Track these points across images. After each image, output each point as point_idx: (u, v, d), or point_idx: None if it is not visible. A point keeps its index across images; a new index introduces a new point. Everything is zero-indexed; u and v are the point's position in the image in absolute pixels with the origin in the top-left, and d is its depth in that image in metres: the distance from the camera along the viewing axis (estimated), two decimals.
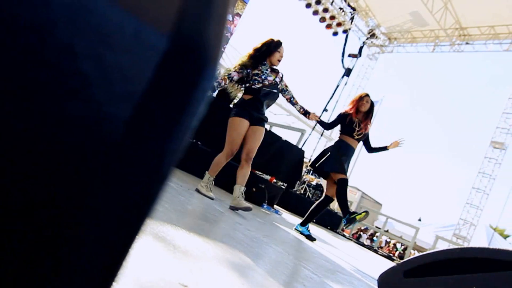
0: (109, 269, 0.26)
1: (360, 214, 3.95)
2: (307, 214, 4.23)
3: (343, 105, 18.76)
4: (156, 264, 0.99)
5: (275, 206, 6.86)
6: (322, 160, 4.14)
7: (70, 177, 0.21)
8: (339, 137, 4.26)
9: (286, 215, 7.32)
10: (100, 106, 0.20)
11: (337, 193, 4.09)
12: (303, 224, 4.16)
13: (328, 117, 13.00)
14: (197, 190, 3.56)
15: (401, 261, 1.42)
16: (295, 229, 4.16)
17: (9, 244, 0.22)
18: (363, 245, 12.25)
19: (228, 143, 3.66)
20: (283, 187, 7.55)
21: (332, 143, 4.51)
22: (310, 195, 11.36)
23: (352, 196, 23.96)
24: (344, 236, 11.73)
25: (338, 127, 4.29)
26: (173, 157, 0.23)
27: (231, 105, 5.94)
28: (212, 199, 3.47)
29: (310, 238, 4.05)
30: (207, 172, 3.70)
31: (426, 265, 1.35)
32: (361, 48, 15.58)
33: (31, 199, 0.21)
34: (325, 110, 12.94)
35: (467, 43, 14.85)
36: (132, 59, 0.21)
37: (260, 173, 7.25)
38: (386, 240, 18.09)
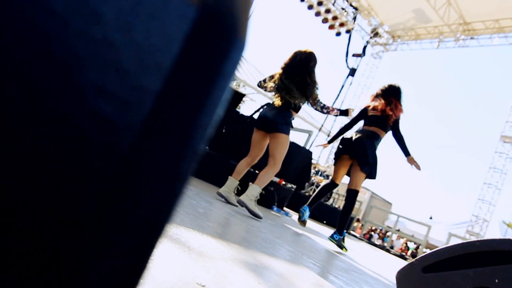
0: (133, 272, 0.25)
1: (346, 249, 3.73)
2: (311, 197, 4.04)
3: (349, 105, 18.69)
4: (173, 265, 0.98)
5: (284, 208, 6.83)
6: (370, 160, 3.71)
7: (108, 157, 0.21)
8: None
9: (296, 217, 7.29)
10: (131, 77, 0.20)
11: (347, 204, 3.82)
12: (340, 233, 3.94)
13: (333, 117, 12.94)
14: (243, 204, 3.31)
15: (419, 256, 1.40)
16: (300, 214, 3.97)
17: (34, 249, 0.21)
18: (374, 244, 12.15)
19: (281, 161, 3.58)
20: (293, 189, 7.52)
21: None
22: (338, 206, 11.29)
23: (362, 196, 23.80)
24: (355, 236, 11.64)
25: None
26: (205, 131, 0.22)
27: (238, 109, 5.94)
28: (260, 217, 3.30)
29: (303, 222, 3.95)
30: (253, 184, 3.48)
31: (445, 259, 1.32)
32: (365, 47, 15.55)
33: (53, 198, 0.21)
34: None
35: (472, 38, 14.73)
36: (161, 28, 0.20)
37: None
38: (400, 240, 17.90)
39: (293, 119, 3.71)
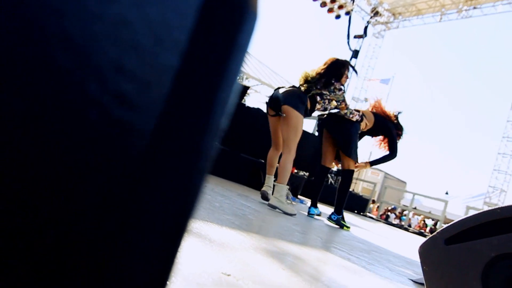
0: (164, 268, 0.25)
1: (348, 227, 3.76)
2: (313, 196, 4.07)
3: (355, 87, 18.51)
4: (196, 258, 0.99)
5: (299, 196, 6.84)
6: (351, 144, 3.80)
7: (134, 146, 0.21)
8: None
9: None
10: (149, 55, 0.20)
11: (342, 185, 3.86)
12: (314, 206, 4.03)
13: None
14: (274, 207, 3.25)
15: (440, 229, 1.39)
16: (311, 214, 3.99)
17: (68, 248, 0.21)
18: (392, 224, 12.12)
19: (295, 145, 3.48)
20: (305, 176, 7.52)
21: None
22: (333, 182, 11.28)
23: (375, 177, 23.69)
24: (372, 218, 11.62)
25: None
26: (225, 106, 0.22)
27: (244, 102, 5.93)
28: (294, 215, 3.24)
29: (319, 214, 4.00)
30: (278, 183, 3.40)
31: (467, 230, 1.31)
32: (365, 27, 15.35)
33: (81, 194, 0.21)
34: None
35: (474, 8, 14.42)
36: (174, 3, 0.20)
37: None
38: (416, 217, 17.81)
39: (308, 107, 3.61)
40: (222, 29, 0.22)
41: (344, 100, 3.64)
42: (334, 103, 3.60)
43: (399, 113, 4.11)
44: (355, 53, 14.11)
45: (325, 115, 3.98)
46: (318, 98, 3.54)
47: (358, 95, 18.52)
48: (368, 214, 11.65)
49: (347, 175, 3.85)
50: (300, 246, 1.82)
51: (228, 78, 0.22)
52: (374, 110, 4.07)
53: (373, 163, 3.99)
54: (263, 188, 3.71)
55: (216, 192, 3.10)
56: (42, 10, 0.17)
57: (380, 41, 18.49)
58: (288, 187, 3.51)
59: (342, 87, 3.58)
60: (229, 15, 0.22)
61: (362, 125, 3.84)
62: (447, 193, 24.85)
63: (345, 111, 3.68)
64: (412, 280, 1.85)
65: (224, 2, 0.21)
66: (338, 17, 13.93)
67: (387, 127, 3.98)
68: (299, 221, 3.10)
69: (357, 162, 3.89)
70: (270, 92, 17.22)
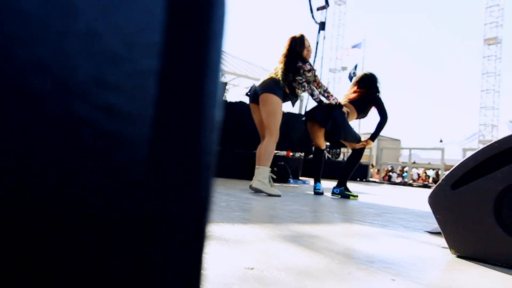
0: (195, 275, 0.25)
1: (355, 196, 3.81)
2: (316, 173, 4.11)
3: (329, 59, 18.55)
4: (217, 259, 0.99)
5: (300, 177, 6.87)
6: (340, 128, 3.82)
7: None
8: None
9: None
10: (127, 62, 0.19)
11: (351, 160, 3.94)
12: (319, 181, 4.07)
13: (319, 76, 12.84)
14: (258, 190, 3.27)
15: (444, 176, 1.41)
16: (316, 190, 4.01)
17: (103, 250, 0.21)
18: (396, 183, 12.26)
19: (276, 128, 3.46)
20: (302, 157, 7.54)
21: None
22: (330, 156, 11.34)
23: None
24: (375, 182, 11.74)
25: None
26: (215, 96, 0.21)
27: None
28: (279, 195, 3.23)
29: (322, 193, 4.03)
30: (259, 166, 3.37)
31: (469, 170, 1.33)
32: None
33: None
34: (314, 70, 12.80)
35: None
36: (139, 5, 0.19)
37: (275, 151, 7.27)
38: (417, 173, 18.03)
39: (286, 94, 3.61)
40: (193, 20, 0.21)
41: (315, 80, 3.62)
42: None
43: (353, 73, 4.16)
44: (322, 25, 14.08)
45: (310, 109, 3.98)
46: (294, 84, 3.55)
47: (334, 66, 18.55)
48: (370, 179, 11.77)
49: (357, 152, 3.93)
50: (314, 225, 1.83)
51: (211, 68, 0.22)
52: (348, 100, 4.04)
53: (373, 137, 4.01)
54: (258, 186, 3.49)
55: (219, 192, 3.10)
56: (8, 39, 0.16)
57: (344, 8, 18.49)
58: (270, 169, 3.47)
59: (309, 66, 3.55)
60: (198, 5, 0.21)
61: (344, 110, 3.84)
62: (441, 141, 25.18)
63: (319, 90, 3.68)
64: (428, 232, 1.88)
65: None
66: None
67: (370, 101, 3.98)
68: (307, 201, 3.11)
69: (359, 141, 3.92)
70: (249, 83, 17.19)
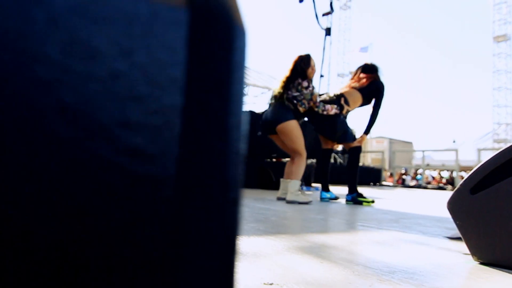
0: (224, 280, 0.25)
1: (369, 202, 3.74)
2: (322, 180, 4.06)
3: (337, 63, 18.53)
4: (240, 275, 0.98)
5: (312, 184, 6.82)
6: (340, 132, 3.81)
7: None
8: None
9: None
10: (150, 101, 0.19)
11: (350, 163, 3.86)
12: (325, 190, 4.01)
13: (327, 82, 12.81)
14: (291, 202, 3.41)
15: (463, 180, 1.38)
16: (322, 198, 3.98)
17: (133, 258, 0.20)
18: (410, 186, 12.11)
19: (301, 147, 3.61)
20: (313, 163, 7.51)
21: None
22: (342, 161, 11.27)
23: (381, 145, 23.66)
24: (389, 185, 11.61)
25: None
26: (239, 127, 0.21)
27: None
28: (310, 202, 3.43)
29: (336, 198, 3.99)
30: (291, 180, 3.55)
31: (488, 174, 1.30)
32: (331, 3, 15.31)
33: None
34: (321, 76, 12.79)
35: None
36: (160, 42, 0.19)
37: (286, 159, 7.23)
38: (431, 175, 17.77)
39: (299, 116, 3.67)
40: (215, 53, 0.21)
41: (311, 99, 3.62)
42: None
43: (365, 63, 4.06)
44: (328, 31, 14.08)
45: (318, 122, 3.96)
46: (295, 101, 3.60)
47: (342, 70, 18.51)
48: (384, 183, 11.64)
49: (352, 153, 3.87)
50: (330, 234, 1.81)
51: (234, 101, 0.21)
52: (357, 88, 3.98)
53: (366, 131, 3.95)
54: (278, 195, 3.80)
55: None
56: (32, 84, 0.16)
57: (349, 13, 18.50)
58: (300, 182, 3.58)
59: (307, 83, 3.59)
60: (218, 38, 0.21)
61: (344, 111, 3.82)
62: (454, 141, 24.81)
63: (316, 109, 3.68)
64: (448, 237, 1.84)
65: (210, 25, 0.20)
66: (301, 0, 13.91)
67: (375, 88, 3.91)
68: (320, 209, 3.09)
69: (355, 139, 3.89)
70: (257, 91, 17.24)
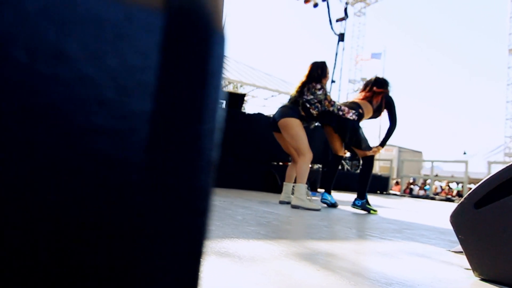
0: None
1: (375, 211, 3.73)
2: (327, 183, 4.07)
3: (349, 69, 18.46)
4: (229, 279, 0.98)
5: (318, 189, 6.79)
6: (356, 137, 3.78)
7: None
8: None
9: (332, 194, 7.23)
10: (118, 106, 0.18)
11: (363, 171, 3.85)
12: (328, 193, 4.03)
13: (338, 87, 12.76)
14: (296, 207, 3.40)
15: (467, 194, 1.35)
16: (324, 199, 3.98)
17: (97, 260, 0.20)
18: (417, 197, 11.98)
19: (305, 146, 3.59)
20: (320, 168, 7.47)
21: None
22: (349, 168, 11.19)
23: (390, 154, 23.46)
24: (396, 194, 11.50)
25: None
26: (212, 136, 0.21)
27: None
28: (318, 210, 3.35)
29: (334, 205, 3.97)
30: (296, 183, 3.54)
31: (493, 189, 1.28)
32: (345, 9, 15.27)
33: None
34: (332, 81, 12.75)
35: None
36: (132, 47, 0.19)
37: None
38: (440, 186, 17.55)
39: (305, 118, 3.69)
40: (189, 60, 0.20)
41: (326, 99, 3.64)
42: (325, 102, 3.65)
43: (377, 78, 4.04)
44: (341, 37, 14.04)
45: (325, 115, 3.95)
46: (308, 105, 3.62)
47: (354, 76, 18.44)
48: (391, 191, 11.53)
49: (367, 161, 3.87)
50: (331, 242, 1.80)
51: (208, 108, 0.21)
52: (366, 98, 3.99)
53: (382, 143, 3.96)
54: (281, 199, 3.82)
55: (236, 205, 3.09)
56: None
57: (363, 19, 18.43)
58: (306, 185, 3.53)
59: (319, 85, 3.63)
60: (194, 44, 0.20)
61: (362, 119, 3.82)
62: (465, 153, 24.46)
63: (331, 108, 3.67)
64: (451, 251, 1.81)
65: (187, 31, 0.20)
66: (316, 5, 13.90)
67: (385, 104, 3.93)
68: (324, 215, 3.06)
69: (370, 149, 3.87)
70: (267, 94, 17.24)
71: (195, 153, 0.20)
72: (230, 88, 17.44)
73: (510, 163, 1.29)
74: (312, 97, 3.62)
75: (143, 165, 0.19)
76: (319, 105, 3.63)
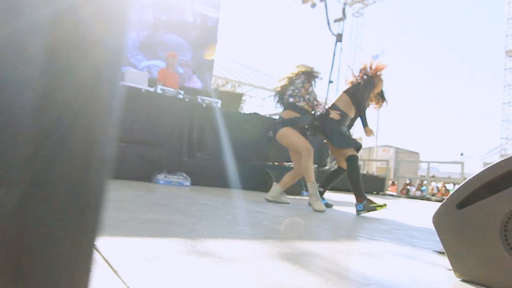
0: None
1: (381, 205, 3.67)
2: (323, 186, 4.05)
3: (347, 70, 18.46)
4: (204, 278, 0.97)
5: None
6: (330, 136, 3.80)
7: None
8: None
9: (327, 194, 7.23)
10: None
11: (349, 174, 3.79)
12: (321, 195, 4.01)
13: (335, 88, 12.77)
14: (310, 204, 3.54)
15: (449, 195, 1.36)
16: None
17: None
18: (414, 197, 12.00)
19: (301, 144, 3.67)
20: (315, 169, 7.48)
21: None
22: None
23: (387, 154, 23.49)
24: (392, 195, 11.52)
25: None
26: (105, 132, 0.20)
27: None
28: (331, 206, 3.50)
29: (328, 205, 3.98)
30: (307, 182, 3.61)
31: (475, 190, 1.28)
32: (343, 9, 15.28)
33: None
34: (330, 82, 12.75)
35: None
36: (17, 39, 0.18)
37: (289, 163, 7.21)
38: (436, 186, 17.57)
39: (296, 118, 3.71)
40: (81, 53, 0.20)
41: (303, 87, 3.70)
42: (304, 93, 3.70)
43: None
44: (339, 37, 14.04)
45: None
46: (292, 100, 3.67)
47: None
48: (387, 192, 11.54)
49: (349, 163, 3.77)
50: (317, 242, 1.80)
51: (103, 102, 0.20)
52: (350, 85, 3.97)
53: (365, 124, 3.88)
54: (266, 196, 3.88)
55: (228, 205, 3.09)
56: None
57: (361, 20, 18.46)
58: (315, 183, 3.59)
59: (301, 77, 3.69)
60: (87, 38, 0.20)
61: (335, 116, 3.79)
62: (462, 154, 24.50)
63: (307, 96, 3.70)
64: (436, 251, 1.82)
65: (80, 25, 0.20)
66: (313, 6, 13.89)
67: (359, 91, 3.87)
68: (317, 215, 3.06)
69: (350, 145, 3.81)
70: (265, 94, 17.25)
71: (88, 148, 0.20)
72: (228, 88, 17.43)
73: (492, 165, 1.29)
74: (292, 87, 3.67)
75: (24, 160, 0.18)
76: (302, 96, 3.68)
